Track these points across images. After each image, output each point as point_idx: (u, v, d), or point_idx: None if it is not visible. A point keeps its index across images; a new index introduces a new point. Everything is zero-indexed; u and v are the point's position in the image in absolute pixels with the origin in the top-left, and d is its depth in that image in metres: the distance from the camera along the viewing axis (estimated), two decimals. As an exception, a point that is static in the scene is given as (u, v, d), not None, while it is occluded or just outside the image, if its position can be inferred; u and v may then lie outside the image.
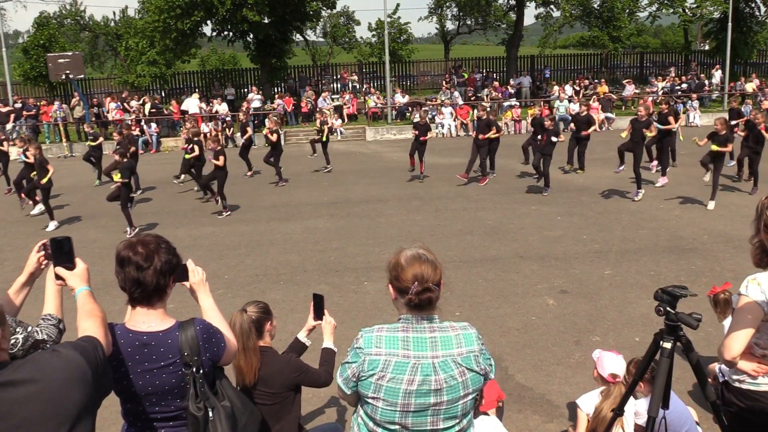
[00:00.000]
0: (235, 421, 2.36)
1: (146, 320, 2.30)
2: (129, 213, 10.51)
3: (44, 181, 11.03)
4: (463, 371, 2.20)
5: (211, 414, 2.28)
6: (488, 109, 16.63)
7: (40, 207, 11.31)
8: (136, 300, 2.30)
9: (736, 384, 2.85)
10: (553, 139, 12.41)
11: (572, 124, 14.93)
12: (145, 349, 2.24)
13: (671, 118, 12.53)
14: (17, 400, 1.62)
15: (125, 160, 10.83)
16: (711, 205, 10.89)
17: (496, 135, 14.01)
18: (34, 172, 11.31)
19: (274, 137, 14.86)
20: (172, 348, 2.26)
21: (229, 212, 11.79)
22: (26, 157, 11.73)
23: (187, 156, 13.48)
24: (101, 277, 7.29)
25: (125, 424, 2.42)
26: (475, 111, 24.99)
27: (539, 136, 12.73)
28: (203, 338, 2.31)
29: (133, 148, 13.52)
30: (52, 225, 11.23)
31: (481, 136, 13.72)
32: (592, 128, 14.43)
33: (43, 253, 2.33)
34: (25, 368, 1.69)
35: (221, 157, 11.56)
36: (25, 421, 1.62)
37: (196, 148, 13.17)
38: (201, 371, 2.28)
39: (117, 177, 10.45)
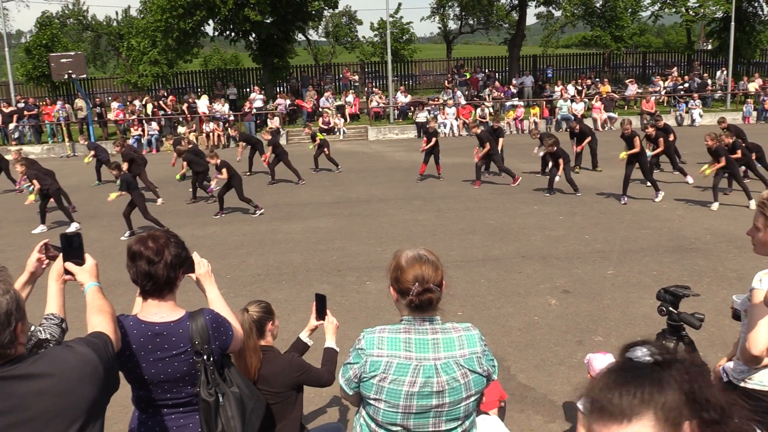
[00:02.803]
0: (244, 405, 2.46)
1: (158, 311, 2.38)
2: (154, 218, 10.56)
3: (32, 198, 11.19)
4: (465, 373, 2.19)
5: (221, 399, 2.38)
6: (479, 121, 16.55)
7: (41, 227, 11.37)
8: (147, 292, 2.39)
9: (741, 384, 2.84)
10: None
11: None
12: (157, 339, 2.33)
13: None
14: (33, 393, 1.66)
15: (121, 173, 10.79)
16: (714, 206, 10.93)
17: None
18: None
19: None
20: (184, 337, 2.35)
21: (262, 210, 11.80)
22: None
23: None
24: (103, 276, 7.26)
25: (136, 411, 2.50)
26: (477, 111, 25.01)
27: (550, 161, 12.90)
28: (212, 327, 2.41)
29: (126, 164, 13.34)
30: (74, 226, 11.27)
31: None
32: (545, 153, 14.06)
33: (44, 253, 2.33)
34: (41, 362, 1.72)
35: (224, 170, 11.50)
36: (40, 414, 1.65)
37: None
38: (211, 359, 2.38)
39: (113, 196, 10.51)
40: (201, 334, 2.36)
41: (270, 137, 15.33)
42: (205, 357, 2.35)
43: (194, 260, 2.58)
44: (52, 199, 11.64)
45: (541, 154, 12.98)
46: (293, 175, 15.02)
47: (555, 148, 12.41)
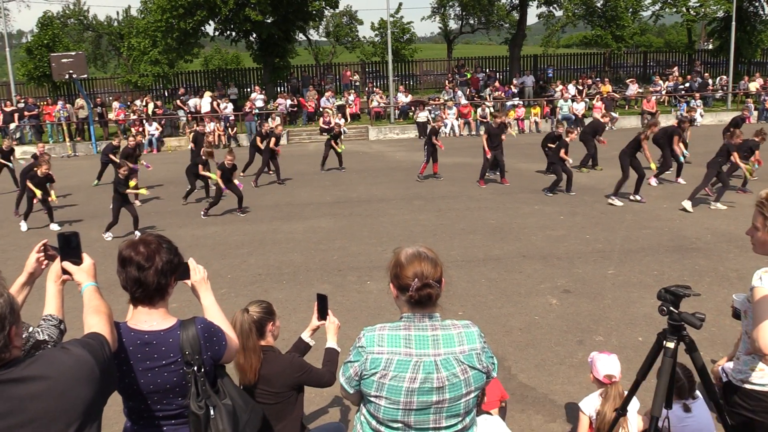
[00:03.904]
0: (237, 419, 2.37)
1: (148, 319, 2.30)
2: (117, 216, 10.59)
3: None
4: (465, 369, 2.20)
5: (212, 412, 2.29)
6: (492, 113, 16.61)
7: (24, 224, 11.39)
8: (137, 299, 2.31)
9: (741, 385, 2.84)
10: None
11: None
12: (146, 348, 2.25)
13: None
14: (30, 396, 1.66)
15: (126, 172, 10.77)
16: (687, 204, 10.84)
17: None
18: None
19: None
20: (174, 347, 2.27)
21: (206, 217, 11.80)
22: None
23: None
24: (103, 276, 7.22)
25: (128, 422, 2.42)
26: (478, 111, 25.00)
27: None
28: (204, 337, 2.32)
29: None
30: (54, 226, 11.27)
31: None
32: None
33: (43, 253, 2.33)
34: (37, 365, 1.72)
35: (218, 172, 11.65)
36: (37, 416, 1.65)
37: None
38: (202, 370, 2.29)
39: (132, 185, 10.68)
40: (192, 343, 2.27)
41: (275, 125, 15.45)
42: (195, 368, 2.26)
43: (190, 266, 2.50)
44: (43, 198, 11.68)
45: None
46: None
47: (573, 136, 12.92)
